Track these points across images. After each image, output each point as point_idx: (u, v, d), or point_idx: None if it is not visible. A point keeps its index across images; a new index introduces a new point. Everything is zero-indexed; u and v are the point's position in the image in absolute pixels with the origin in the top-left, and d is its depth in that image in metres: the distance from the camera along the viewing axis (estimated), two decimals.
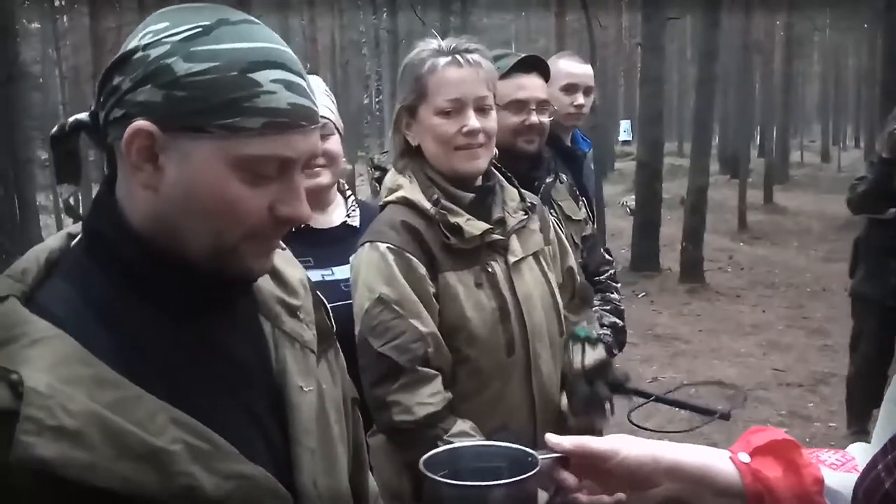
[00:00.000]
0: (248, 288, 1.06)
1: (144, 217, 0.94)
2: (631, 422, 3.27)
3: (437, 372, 1.75)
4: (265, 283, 1.10)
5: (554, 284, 1.97)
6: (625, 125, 29.60)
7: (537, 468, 0.98)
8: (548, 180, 2.63)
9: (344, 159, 2.20)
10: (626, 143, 29.81)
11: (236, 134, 0.89)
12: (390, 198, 1.87)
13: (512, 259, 1.87)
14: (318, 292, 1.22)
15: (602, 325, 2.68)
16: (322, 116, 2.03)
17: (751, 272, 10.77)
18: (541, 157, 2.63)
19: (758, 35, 21.17)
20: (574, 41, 21.75)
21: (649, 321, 8.21)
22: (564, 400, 1.94)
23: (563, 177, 2.79)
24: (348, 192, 2.27)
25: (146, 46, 0.90)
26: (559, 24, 13.24)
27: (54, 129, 1.00)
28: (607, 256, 2.87)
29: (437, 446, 1.58)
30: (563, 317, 1.98)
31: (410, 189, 1.84)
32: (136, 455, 0.85)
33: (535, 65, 2.57)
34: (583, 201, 2.82)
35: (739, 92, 19.24)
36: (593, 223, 3.45)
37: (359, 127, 23.18)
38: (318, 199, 2.14)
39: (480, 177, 1.90)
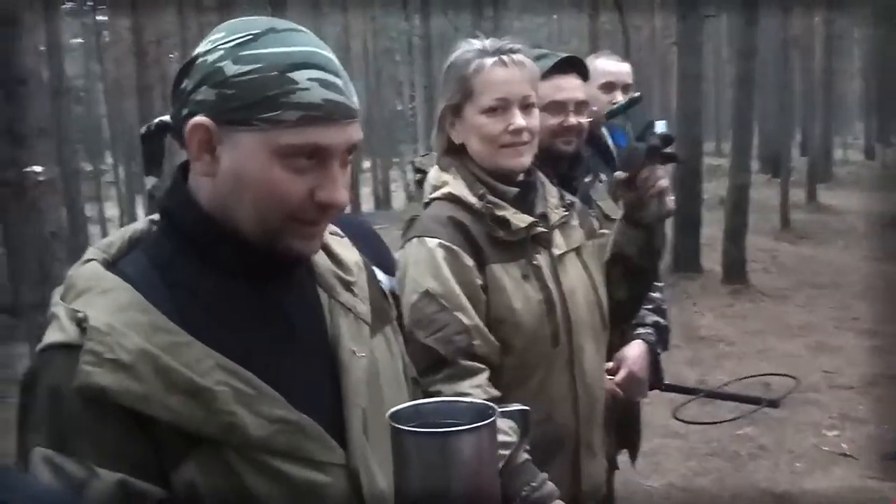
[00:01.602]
0: (302, 260, 1.16)
1: (206, 199, 1.08)
2: (677, 418, 3.24)
3: (482, 366, 1.77)
4: (322, 259, 1.22)
5: (597, 279, 1.99)
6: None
7: (493, 418, 1.03)
8: (586, 180, 2.61)
9: None
10: None
11: (276, 126, 1.01)
12: (436, 194, 1.90)
13: (556, 252, 1.90)
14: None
15: (644, 325, 2.65)
16: None
17: (795, 272, 10.58)
18: (579, 157, 2.60)
19: (797, 31, 20.86)
20: (607, 42, 21.66)
21: (692, 323, 8.11)
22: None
23: (603, 176, 2.76)
24: None
25: (205, 53, 1.04)
26: (592, 26, 13.16)
27: (143, 128, 1.16)
28: None
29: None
30: (606, 315, 1.99)
31: (456, 185, 1.87)
32: (183, 391, 0.98)
33: (574, 65, 2.54)
34: None
35: (779, 89, 18.94)
36: None
37: (393, 133, 23.29)
38: None
39: (522, 173, 1.92)
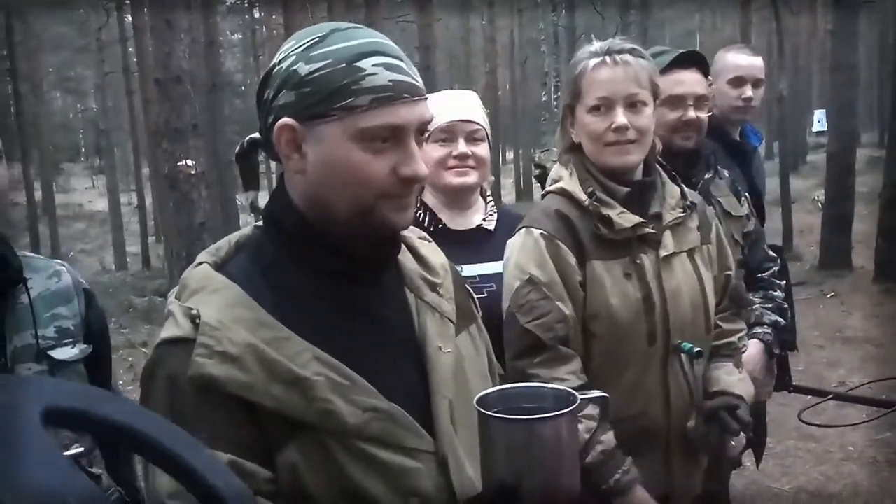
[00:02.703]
0: (393, 260, 1.25)
1: (301, 197, 1.16)
2: (802, 420, 3.18)
3: (575, 353, 1.85)
4: (409, 262, 1.30)
5: (707, 283, 1.99)
6: (819, 115, 27.97)
7: (576, 404, 1.08)
8: (707, 176, 2.61)
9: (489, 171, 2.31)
10: (820, 133, 28.15)
11: (351, 112, 1.08)
12: (551, 188, 2.00)
13: (663, 253, 1.91)
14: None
15: (762, 324, 2.63)
16: (476, 123, 2.17)
17: None
18: (699, 152, 2.61)
19: None
20: (764, 29, 20.73)
21: (838, 323, 7.76)
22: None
23: (725, 172, 2.75)
24: (489, 198, 2.37)
25: (280, 62, 1.13)
26: (744, 13, 12.69)
27: (237, 148, 1.25)
28: (771, 253, 2.80)
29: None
30: (712, 319, 2.01)
31: (569, 181, 1.95)
32: (284, 381, 1.07)
33: (694, 60, 2.57)
34: (745, 197, 2.76)
35: None
36: (762, 220, 3.37)
37: (538, 125, 23.24)
38: (464, 198, 2.26)
39: (640, 171, 1.97)
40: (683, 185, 2.05)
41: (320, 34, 1.12)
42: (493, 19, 23.52)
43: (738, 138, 3.34)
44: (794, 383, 3.38)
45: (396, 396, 1.14)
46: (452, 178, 2.18)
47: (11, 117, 17.90)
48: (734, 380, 2.00)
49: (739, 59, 3.24)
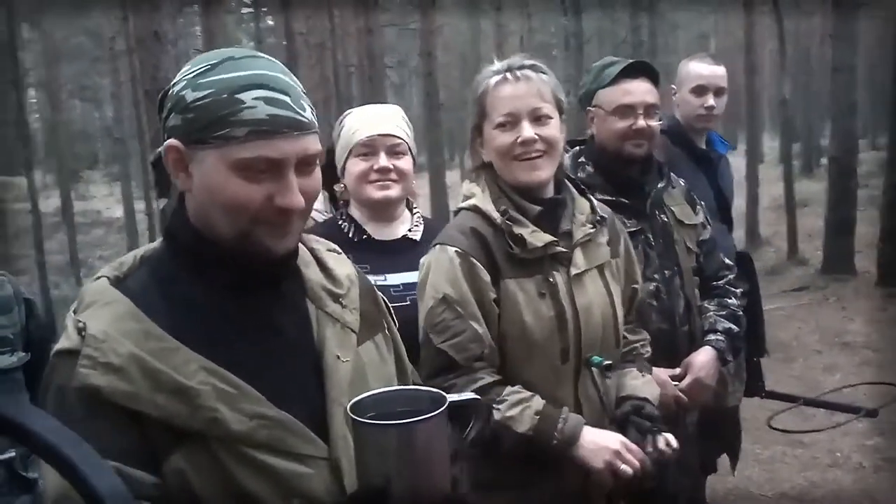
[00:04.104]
0: (288, 272, 1.28)
1: (192, 214, 1.22)
2: (771, 427, 3.19)
3: (488, 369, 1.87)
4: (314, 274, 1.34)
5: (616, 297, 2.02)
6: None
7: (442, 408, 1.13)
8: (660, 185, 2.63)
9: (415, 182, 2.34)
10: None
11: (228, 142, 1.13)
12: (463, 204, 2.01)
13: (574, 271, 1.94)
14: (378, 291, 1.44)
15: (716, 331, 2.64)
16: (397, 137, 2.21)
17: None
18: (651, 161, 2.63)
19: None
20: (774, 32, 20.60)
21: (838, 328, 7.72)
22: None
23: (680, 181, 2.77)
24: (415, 209, 2.40)
25: (174, 85, 1.19)
26: (748, 17, 12.66)
27: (151, 157, 1.30)
28: (727, 261, 2.81)
29: (492, 416, 1.70)
30: (621, 331, 2.04)
31: (482, 198, 1.96)
32: (169, 390, 1.10)
33: (643, 70, 2.59)
34: (701, 205, 2.78)
35: None
36: (729, 227, 3.38)
37: None
38: (387, 211, 2.29)
39: (552, 188, 1.99)
40: (594, 200, 2.07)
41: (213, 62, 1.17)
42: (502, 23, 23.51)
43: (704, 146, 3.36)
44: (766, 389, 3.40)
45: (290, 404, 1.18)
46: (374, 192, 2.22)
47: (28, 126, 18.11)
48: (639, 383, 2.04)
49: (701, 69, 3.28)
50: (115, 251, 26.51)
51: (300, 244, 1.34)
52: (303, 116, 1.17)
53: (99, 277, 1.21)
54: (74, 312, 1.17)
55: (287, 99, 1.15)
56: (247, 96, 1.13)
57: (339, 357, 1.27)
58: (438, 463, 1.12)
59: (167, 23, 5.15)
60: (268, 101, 1.13)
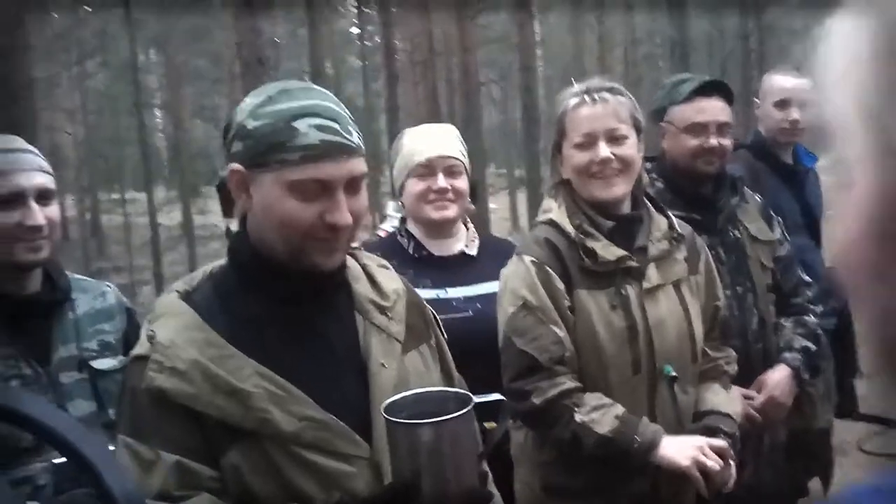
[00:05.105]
0: (335, 285, 1.40)
1: (251, 233, 1.35)
2: (863, 450, 3.08)
3: (571, 371, 1.94)
4: (363, 288, 1.45)
5: (693, 313, 2.05)
6: None
7: (468, 408, 1.22)
8: (733, 201, 2.62)
9: (468, 200, 2.42)
10: None
11: (284, 166, 1.26)
12: (541, 218, 2.11)
13: (646, 285, 1.99)
14: (430, 306, 1.58)
15: (792, 350, 2.60)
16: (454, 158, 2.30)
17: None
18: (723, 178, 2.63)
19: None
20: None
21: None
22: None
23: (756, 197, 2.74)
24: (470, 226, 2.48)
25: (237, 114, 1.33)
26: None
27: (216, 180, 1.43)
28: (805, 278, 2.76)
29: (573, 419, 1.78)
30: (699, 347, 2.06)
31: (558, 213, 2.05)
32: (226, 392, 1.24)
33: (716, 88, 2.60)
34: (778, 222, 2.74)
35: None
36: (817, 242, 3.30)
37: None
38: (445, 228, 2.38)
39: (628, 204, 2.05)
40: (672, 217, 2.11)
41: (270, 94, 1.29)
42: (603, 35, 23.28)
43: (791, 160, 3.31)
44: (859, 410, 3.30)
45: (336, 407, 1.30)
46: (433, 213, 2.31)
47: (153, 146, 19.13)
48: (721, 399, 2.06)
49: (784, 82, 3.23)
50: None
51: (353, 260, 1.46)
52: (350, 141, 1.28)
53: (171, 291, 1.37)
54: (149, 322, 1.32)
55: (336, 126, 1.27)
56: (300, 124, 1.25)
57: (383, 364, 1.37)
58: (465, 458, 1.22)
59: (269, 49, 5.42)
60: (319, 128, 1.25)
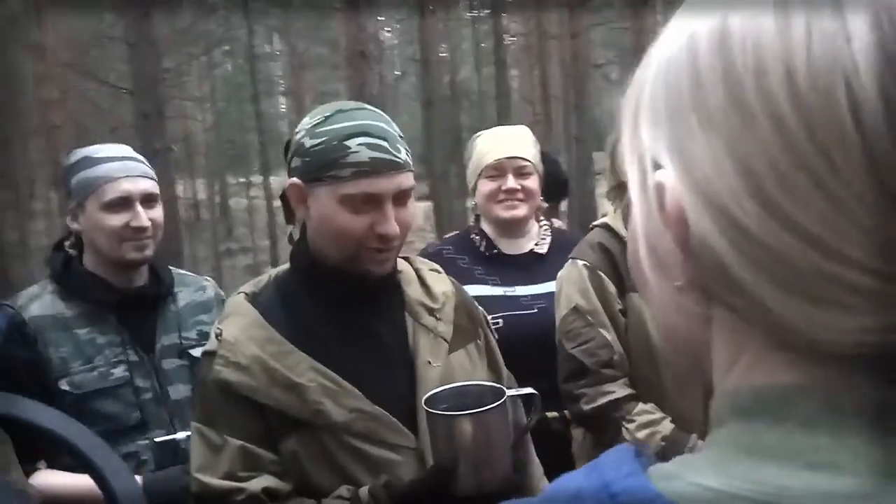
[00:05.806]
0: (385, 289, 1.49)
1: (310, 240, 1.45)
2: None
3: (619, 374, 1.98)
4: (414, 291, 1.54)
5: None
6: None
7: (501, 401, 1.30)
8: None
9: (541, 198, 2.48)
10: None
11: (338, 180, 1.35)
12: (597, 222, 2.16)
13: None
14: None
15: None
16: (524, 159, 2.36)
17: None
18: None
19: None
20: None
21: None
22: None
23: None
24: (543, 224, 2.53)
25: (296, 133, 1.43)
26: None
27: (280, 192, 1.52)
28: None
29: (619, 437, 1.84)
30: None
31: (613, 217, 2.09)
32: (283, 386, 1.36)
33: None
34: None
35: None
36: None
37: None
38: (515, 228, 2.44)
39: None
40: None
41: (326, 114, 1.39)
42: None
43: None
44: None
45: (384, 401, 1.40)
46: (503, 212, 2.37)
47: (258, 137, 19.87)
48: None
49: None
50: None
51: (407, 264, 1.57)
52: (398, 158, 1.37)
53: (238, 293, 1.50)
54: (218, 322, 1.46)
55: (385, 144, 1.36)
56: (352, 142, 1.34)
57: (430, 362, 1.46)
58: (499, 447, 1.31)
59: (372, 43, 5.55)
60: (369, 146, 1.35)
